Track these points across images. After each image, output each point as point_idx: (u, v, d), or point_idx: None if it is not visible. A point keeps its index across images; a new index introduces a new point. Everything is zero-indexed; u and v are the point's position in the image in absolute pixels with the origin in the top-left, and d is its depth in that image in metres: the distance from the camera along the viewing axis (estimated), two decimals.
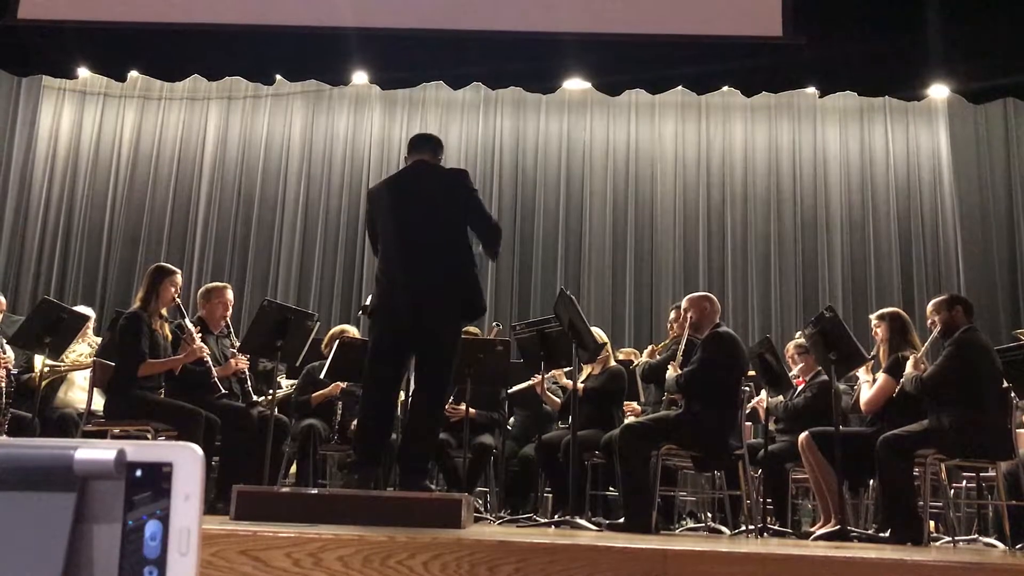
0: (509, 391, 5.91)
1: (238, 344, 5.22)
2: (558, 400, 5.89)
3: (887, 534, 4.30)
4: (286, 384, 5.98)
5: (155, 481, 0.66)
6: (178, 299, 5.03)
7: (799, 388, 5.55)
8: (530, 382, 5.76)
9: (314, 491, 4.32)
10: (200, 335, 4.97)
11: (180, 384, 4.93)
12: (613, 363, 5.81)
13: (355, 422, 4.66)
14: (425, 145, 4.32)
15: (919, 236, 8.86)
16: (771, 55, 6.75)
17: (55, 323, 5.21)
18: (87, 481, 0.66)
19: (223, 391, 4.95)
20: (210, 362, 4.94)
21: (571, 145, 9.26)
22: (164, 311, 5.00)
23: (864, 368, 4.83)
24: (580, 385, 5.54)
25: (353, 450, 4.06)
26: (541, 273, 8.94)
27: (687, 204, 9.10)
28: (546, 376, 5.60)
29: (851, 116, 9.18)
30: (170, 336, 4.97)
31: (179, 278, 5.06)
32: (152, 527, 0.66)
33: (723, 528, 5.11)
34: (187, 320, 5.02)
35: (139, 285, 5.25)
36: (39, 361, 5.43)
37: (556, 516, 4.99)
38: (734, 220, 9.03)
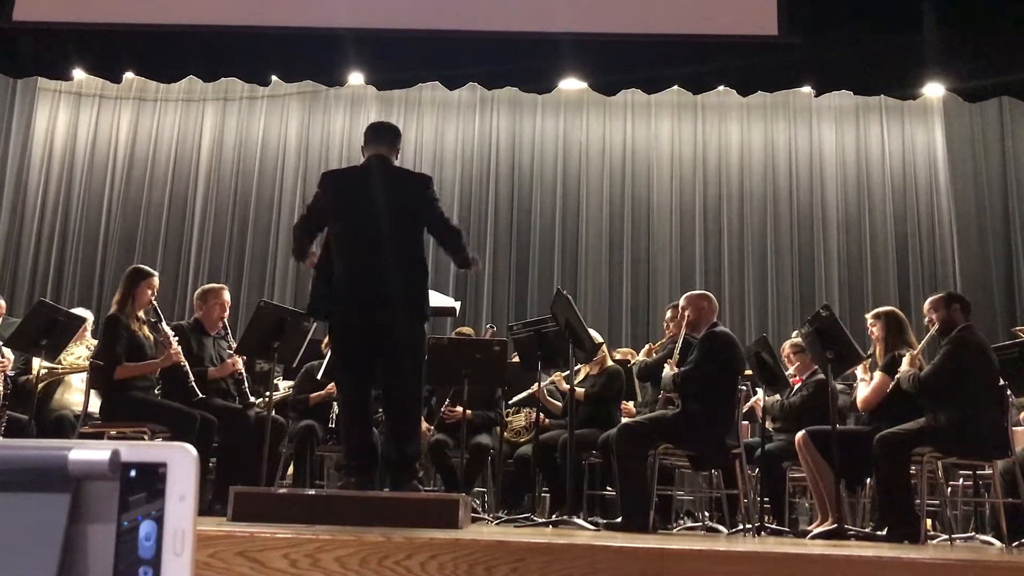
0: (510, 402, 5.91)
1: (235, 345, 5.22)
2: (559, 404, 5.88)
3: (884, 532, 4.30)
4: (283, 385, 5.98)
5: (149, 481, 0.67)
6: (154, 301, 5.00)
7: (796, 387, 5.55)
8: (530, 391, 5.75)
9: (311, 492, 4.32)
10: (176, 338, 4.94)
11: (175, 385, 4.93)
12: (610, 363, 5.82)
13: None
14: (383, 138, 4.20)
15: (915, 234, 8.88)
16: (767, 54, 6.76)
17: (51, 325, 5.20)
18: (81, 482, 0.66)
19: (200, 395, 4.89)
20: (187, 365, 4.90)
21: (567, 145, 9.26)
22: (142, 313, 4.98)
23: (861, 367, 4.84)
24: (580, 390, 5.54)
25: (345, 458, 4.05)
26: (538, 273, 8.95)
27: (683, 204, 9.10)
28: (544, 384, 5.61)
29: (847, 115, 9.19)
30: (151, 337, 4.96)
31: (156, 280, 5.04)
32: (147, 527, 0.66)
33: (720, 527, 5.11)
34: (163, 323, 4.99)
35: None
36: (36, 363, 5.42)
37: (554, 516, 4.98)
38: (730, 219, 9.04)
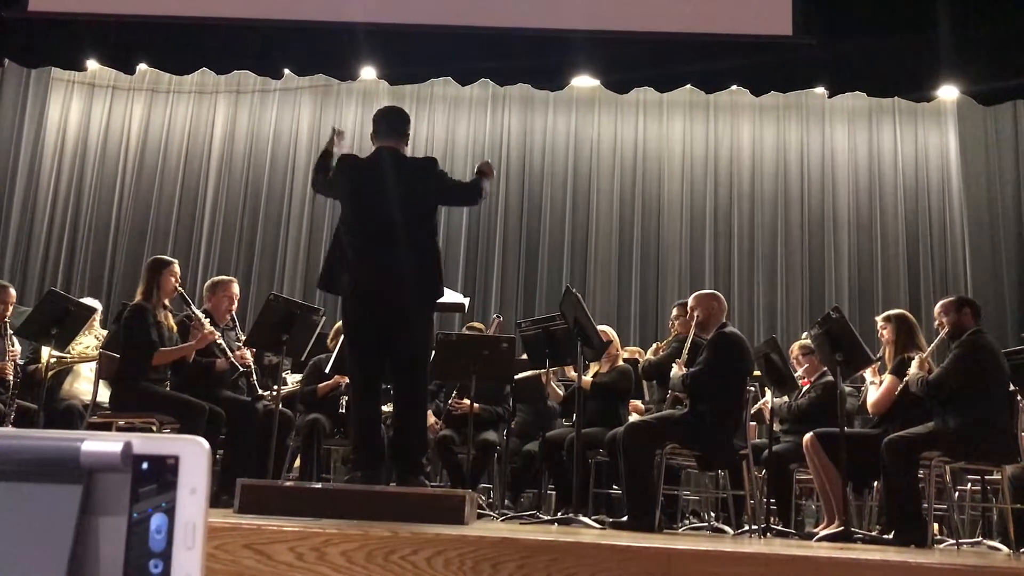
0: (516, 377, 5.88)
1: (243, 338, 5.23)
2: (561, 393, 5.88)
3: (891, 536, 4.29)
4: (291, 378, 5.99)
5: (161, 474, 0.67)
6: (180, 289, 5.04)
7: (804, 389, 5.54)
8: (537, 371, 5.73)
9: (318, 485, 4.33)
10: (209, 319, 4.98)
11: (185, 377, 4.94)
12: (622, 362, 5.81)
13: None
14: (392, 128, 4.20)
15: (927, 237, 8.84)
16: (780, 54, 6.75)
17: (62, 315, 5.22)
18: (93, 473, 0.66)
19: (241, 368, 4.98)
20: (223, 343, 4.96)
21: (578, 143, 9.25)
22: (167, 302, 5.01)
23: (871, 370, 4.82)
24: (588, 378, 5.53)
25: (354, 451, 4.06)
26: (547, 271, 8.94)
27: (694, 203, 9.08)
28: (553, 370, 5.58)
29: (860, 117, 9.15)
30: (175, 327, 4.98)
31: (177, 268, 5.07)
32: (158, 520, 0.66)
33: (726, 528, 5.10)
34: (193, 307, 5.03)
35: None
36: (45, 352, 5.44)
37: (559, 514, 4.98)
38: (741, 220, 9.01)
